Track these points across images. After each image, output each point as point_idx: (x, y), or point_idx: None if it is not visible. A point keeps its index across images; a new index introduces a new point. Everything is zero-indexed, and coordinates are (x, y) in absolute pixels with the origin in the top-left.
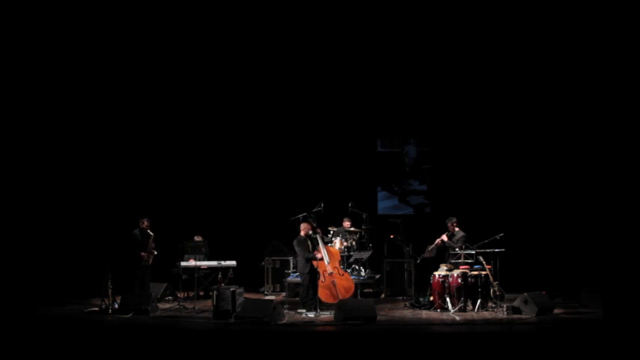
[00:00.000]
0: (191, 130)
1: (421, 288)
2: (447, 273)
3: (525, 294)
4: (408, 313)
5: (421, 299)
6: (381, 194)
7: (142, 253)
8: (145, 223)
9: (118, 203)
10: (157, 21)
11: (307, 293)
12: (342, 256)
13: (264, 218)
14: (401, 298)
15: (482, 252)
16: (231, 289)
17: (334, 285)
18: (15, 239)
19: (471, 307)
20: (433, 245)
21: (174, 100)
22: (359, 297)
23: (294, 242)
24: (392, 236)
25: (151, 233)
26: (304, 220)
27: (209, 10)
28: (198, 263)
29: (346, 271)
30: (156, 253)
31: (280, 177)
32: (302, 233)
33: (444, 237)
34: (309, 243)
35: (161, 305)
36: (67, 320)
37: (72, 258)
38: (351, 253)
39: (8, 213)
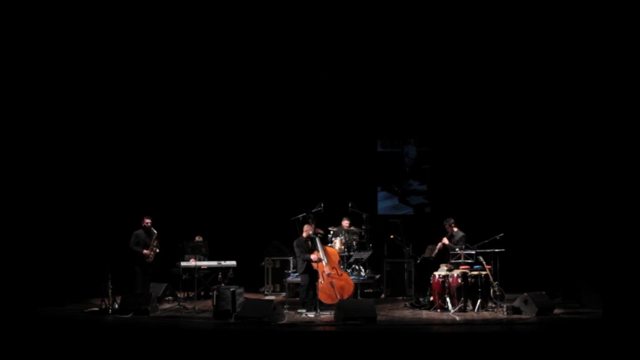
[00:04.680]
0: (192, 131)
1: (421, 288)
2: (447, 273)
3: (525, 294)
4: (408, 313)
5: (421, 299)
6: (381, 194)
7: (145, 251)
8: (147, 221)
9: (119, 203)
10: (158, 21)
11: (307, 294)
12: (341, 257)
13: (264, 218)
14: (401, 298)
15: (482, 252)
16: (231, 289)
17: (332, 286)
18: (16, 239)
19: (470, 307)
20: (436, 250)
21: (174, 101)
22: (359, 297)
23: (294, 243)
24: (392, 236)
25: (155, 231)
26: (305, 221)
27: (209, 10)
28: (199, 263)
29: (346, 271)
30: (158, 250)
31: (280, 177)
32: (303, 234)
33: (445, 240)
34: (309, 244)
35: (161, 305)
36: (68, 320)
37: (72, 258)
38: (351, 253)
39: (9, 213)
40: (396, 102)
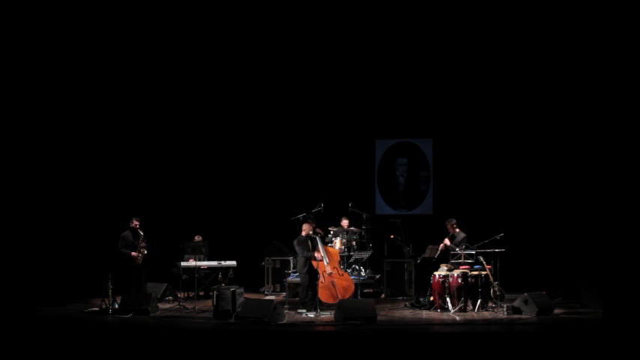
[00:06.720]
0: (191, 130)
1: (421, 288)
2: (447, 273)
3: (525, 294)
4: (408, 313)
5: (421, 299)
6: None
7: (133, 253)
8: (135, 222)
9: (119, 203)
10: (157, 21)
11: (306, 294)
12: (342, 256)
13: (264, 218)
14: (401, 298)
15: (483, 252)
16: (231, 289)
17: (334, 285)
18: (15, 240)
19: (471, 307)
20: (438, 252)
21: (174, 101)
22: (359, 297)
23: (295, 242)
24: (392, 236)
25: (142, 233)
26: (305, 220)
27: (209, 10)
28: (199, 263)
29: (346, 271)
30: (146, 252)
31: (280, 177)
32: (303, 233)
33: (447, 241)
34: (310, 243)
35: (161, 305)
36: (68, 320)
37: (72, 258)
38: (351, 253)
39: (9, 214)
40: (395, 102)
